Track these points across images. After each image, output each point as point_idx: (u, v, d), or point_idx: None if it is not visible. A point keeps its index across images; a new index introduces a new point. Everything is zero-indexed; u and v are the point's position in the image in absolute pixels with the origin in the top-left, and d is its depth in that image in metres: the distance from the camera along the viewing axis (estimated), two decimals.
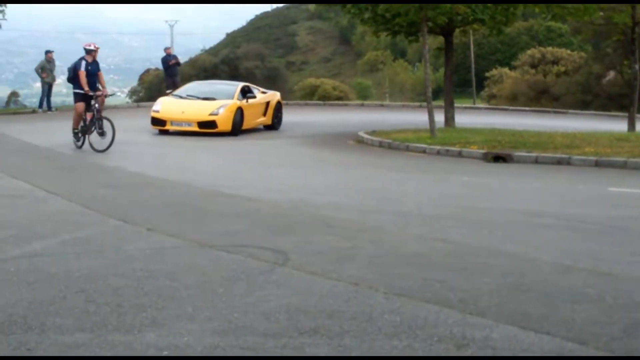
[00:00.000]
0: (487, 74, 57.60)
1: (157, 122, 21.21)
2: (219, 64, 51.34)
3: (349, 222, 9.09)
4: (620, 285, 6.42)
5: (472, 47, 51.10)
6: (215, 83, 26.13)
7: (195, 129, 20.91)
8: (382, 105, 40.41)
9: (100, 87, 17.13)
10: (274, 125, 23.58)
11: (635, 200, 12.09)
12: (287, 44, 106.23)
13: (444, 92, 25.22)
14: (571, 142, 17.89)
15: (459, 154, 17.16)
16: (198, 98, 22.02)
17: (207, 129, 20.87)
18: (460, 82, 55.72)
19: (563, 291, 6.14)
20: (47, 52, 29.55)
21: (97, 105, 16.84)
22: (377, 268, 6.79)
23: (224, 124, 21.00)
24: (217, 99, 21.67)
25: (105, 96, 17.49)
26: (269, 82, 45.03)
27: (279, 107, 23.94)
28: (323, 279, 6.38)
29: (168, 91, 25.94)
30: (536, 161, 16.14)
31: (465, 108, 36.71)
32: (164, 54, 31.54)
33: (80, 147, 16.83)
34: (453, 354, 4.78)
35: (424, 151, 17.86)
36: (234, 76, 42.25)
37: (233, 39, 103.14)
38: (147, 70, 67.00)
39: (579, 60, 52.66)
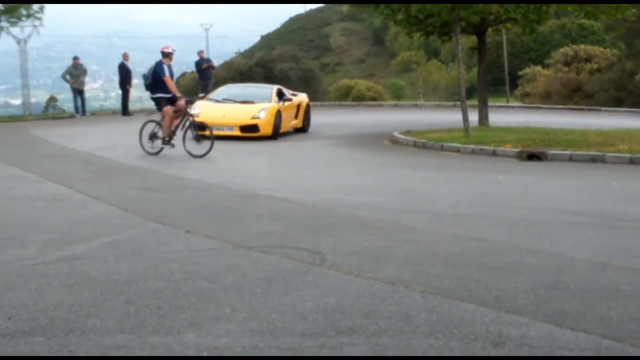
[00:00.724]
0: (520, 73, 57.43)
1: None
2: (253, 66, 51.76)
3: (384, 221, 9.11)
4: None
5: (505, 45, 50.83)
6: (248, 86, 26.02)
7: (238, 133, 20.57)
8: (416, 105, 40.42)
9: None
10: (304, 127, 23.59)
11: None
12: (321, 46, 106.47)
13: (477, 91, 25.16)
14: (605, 140, 17.78)
15: (493, 153, 17.10)
16: (235, 102, 21.85)
17: (249, 132, 20.59)
18: (494, 81, 55.48)
19: (599, 288, 6.14)
20: (75, 58, 30.04)
21: (189, 109, 16.69)
22: (413, 267, 6.81)
23: (266, 128, 20.79)
24: (256, 102, 21.49)
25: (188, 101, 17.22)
26: (304, 83, 45.25)
27: (307, 110, 23.89)
28: (359, 278, 6.42)
29: (201, 95, 26.09)
30: (570, 159, 16.04)
31: (499, 107, 36.63)
32: (197, 58, 31.89)
33: (157, 153, 16.47)
34: (490, 352, 4.81)
35: (458, 150, 17.82)
36: (268, 78, 42.53)
37: (267, 41, 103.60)
38: (184, 74, 67.46)
39: (612, 57, 52.30)
